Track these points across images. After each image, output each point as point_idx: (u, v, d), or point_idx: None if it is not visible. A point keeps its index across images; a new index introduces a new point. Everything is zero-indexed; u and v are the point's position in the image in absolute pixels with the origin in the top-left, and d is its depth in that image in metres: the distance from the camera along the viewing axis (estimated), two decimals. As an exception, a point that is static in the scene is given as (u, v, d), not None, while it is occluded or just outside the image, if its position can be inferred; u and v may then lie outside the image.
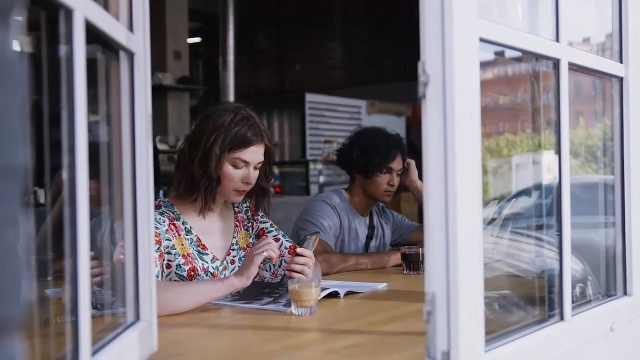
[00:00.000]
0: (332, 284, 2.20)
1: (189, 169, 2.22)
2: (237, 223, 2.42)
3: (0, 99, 0.57)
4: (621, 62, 1.84)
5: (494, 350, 1.29)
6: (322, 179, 7.74)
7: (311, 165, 7.69)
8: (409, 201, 6.88)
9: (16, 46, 0.61)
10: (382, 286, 2.39)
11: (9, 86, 0.58)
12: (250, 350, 1.59)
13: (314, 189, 7.55)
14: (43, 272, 1.45)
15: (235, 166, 2.22)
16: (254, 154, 2.24)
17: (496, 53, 1.50)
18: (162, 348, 1.48)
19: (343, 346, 1.60)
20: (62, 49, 1.02)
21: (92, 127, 1.11)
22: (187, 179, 2.24)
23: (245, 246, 2.40)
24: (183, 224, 2.26)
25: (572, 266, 1.60)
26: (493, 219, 2.27)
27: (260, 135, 2.25)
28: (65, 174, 1.02)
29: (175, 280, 2.19)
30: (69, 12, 1.00)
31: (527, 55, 1.62)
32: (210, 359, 1.58)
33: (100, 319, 1.42)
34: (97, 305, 1.38)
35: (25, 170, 0.61)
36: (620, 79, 1.84)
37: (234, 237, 2.39)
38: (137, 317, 1.39)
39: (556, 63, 1.54)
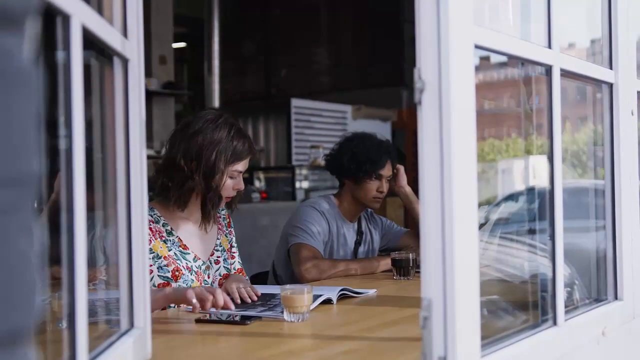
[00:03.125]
0: (324, 290, 2.20)
1: (189, 183, 2.26)
2: (220, 226, 2.49)
3: (15, 107, 0.57)
4: (611, 68, 1.85)
5: (490, 356, 1.29)
6: (308, 184, 7.73)
7: (297, 171, 7.67)
8: (394, 206, 6.89)
9: (30, 54, 0.61)
10: (372, 292, 2.39)
11: (23, 95, 0.58)
12: (243, 357, 1.59)
13: (300, 194, 7.54)
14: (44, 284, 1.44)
15: (231, 177, 2.33)
16: (247, 163, 2.37)
17: (481, 58, 1.50)
18: (155, 355, 1.47)
19: (337, 352, 1.60)
20: (59, 55, 1.01)
21: (85, 133, 1.10)
22: (187, 192, 2.28)
23: (226, 249, 2.49)
24: (163, 225, 2.31)
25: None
26: (482, 224, 2.28)
27: (253, 146, 2.38)
28: (62, 181, 1.02)
29: (158, 284, 2.22)
30: (66, 18, 0.99)
31: (513, 61, 1.63)
32: (203, 366, 1.58)
33: (94, 326, 1.41)
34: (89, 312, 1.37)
35: (37, 178, 0.61)
36: (610, 85, 1.85)
37: (218, 239, 2.46)
38: (132, 325, 1.38)
39: (548, 69, 1.55)
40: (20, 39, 0.59)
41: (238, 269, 2.50)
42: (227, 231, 2.53)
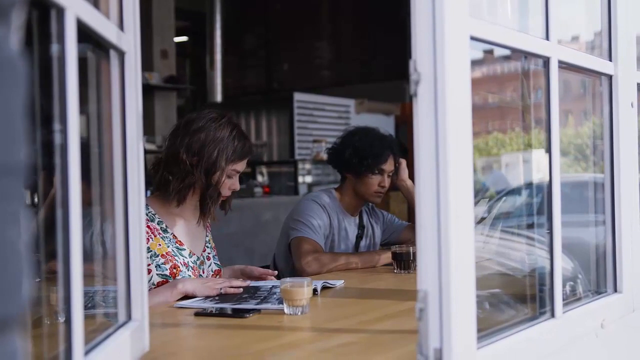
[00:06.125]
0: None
1: (189, 178, 2.30)
2: (208, 225, 2.53)
3: (2, 97, 0.57)
4: (610, 60, 1.85)
5: (486, 347, 1.29)
6: (311, 178, 7.73)
7: (300, 165, 7.67)
8: (397, 200, 6.89)
9: (16, 45, 0.61)
10: (339, 283, 2.42)
11: (10, 84, 0.58)
12: (242, 350, 1.59)
13: (302, 188, 7.55)
14: (33, 273, 1.45)
15: (229, 176, 2.36)
16: (245, 164, 2.41)
17: (485, 51, 1.50)
18: (153, 348, 1.47)
19: (335, 345, 1.60)
20: (54, 48, 1.01)
21: (80, 127, 1.10)
22: (187, 187, 2.32)
23: (213, 246, 2.54)
24: (158, 223, 2.34)
25: (562, 265, 1.60)
26: (483, 218, 2.27)
27: (252, 148, 2.43)
28: (57, 175, 1.02)
29: (158, 282, 2.24)
30: (60, 11, 0.99)
31: (517, 54, 1.63)
32: (201, 358, 1.58)
33: (91, 318, 1.42)
34: (87, 305, 1.38)
35: (25, 168, 0.61)
36: (610, 77, 1.85)
37: (207, 236, 2.51)
38: (129, 317, 1.39)
39: (546, 61, 1.54)
40: (6, 29, 0.59)
41: (215, 270, 2.51)
42: (210, 230, 2.58)
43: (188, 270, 2.32)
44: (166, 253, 2.28)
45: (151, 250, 2.25)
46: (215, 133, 2.31)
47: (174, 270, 2.27)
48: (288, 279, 1.99)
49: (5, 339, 0.58)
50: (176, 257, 2.30)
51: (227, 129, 2.34)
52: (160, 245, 2.29)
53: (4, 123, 0.56)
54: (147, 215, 2.30)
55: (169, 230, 2.34)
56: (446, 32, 1.17)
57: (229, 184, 2.37)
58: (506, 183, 2.16)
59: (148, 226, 2.27)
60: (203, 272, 2.40)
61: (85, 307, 1.14)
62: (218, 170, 2.31)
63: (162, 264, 2.26)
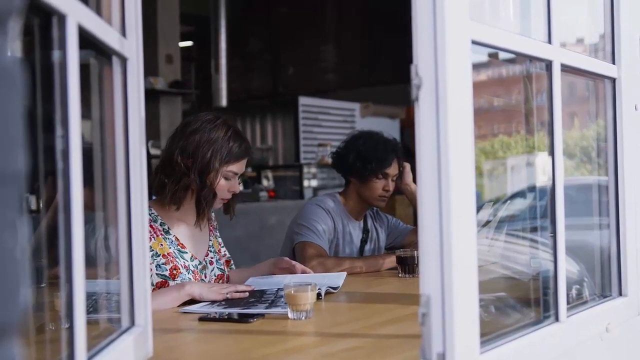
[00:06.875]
0: (304, 279, 2.24)
1: (184, 180, 2.30)
2: (211, 228, 2.54)
3: (0, 105, 0.57)
4: (614, 63, 1.84)
5: (490, 352, 1.29)
6: (316, 182, 7.72)
7: (305, 169, 7.67)
8: (403, 204, 6.88)
9: (14, 52, 0.61)
10: (342, 276, 2.46)
11: (7, 92, 0.58)
12: (246, 355, 1.59)
13: (308, 192, 7.54)
14: (37, 278, 1.45)
15: (226, 178, 2.36)
16: (243, 165, 2.40)
17: (490, 55, 1.50)
18: (157, 353, 1.47)
19: (339, 349, 1.60)
20: (55, 55, 1.02)
21: (84, 133, 1.11)
22: (182, 189, 2.32)
23: (217, 250, 2.53)
24: (161, 225, 2.34)
25: (568, 268, 1.60)
26: (488, 221, 2.27)
27: (250, 149, 2.42)
28: (58, 181, 1.02)
29: (157, 283, 2.26)
30: (62, 18, 1.00)
31: (521, 57, 1.63)
32: (205, 363, 1.58)
33: (94, 323, 1.42)
34: (90, 309, 1.38)
35: (23, 176, 0.62)
36: (613, 80, 1.85)
37: (210, 240, 2.50)
38: (132, 323, 1.39)
39: (549, 64, 1.54)
40: (3, 37, 0.59)
41: (226, 261, 2.55)
42: (216, 233, 2.58)
43: (188, 273, 2.32)
44: (167, 254, 2.29)
45: (152, 250, 2.26)
46: (210, 134, 2.32)
47: (174, 272, 2.28)
48: (292, 284, 1.99)
49: (3, 346, 0.58)
50: (177, 259, 2.31)
51: (222, 130, 2.34)
52: (162, 245, 2.30)
53: (1, 131, 0.56)
54: (150, 215, 2.31)
55: (171, 232, 2.35)
56: (447, 36, 1.17)
57: (228, 186, 2.36)
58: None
59: (151, 226, 2.29)
60: (205, 277, 2.40)
61: (88, 312, 1.14)
62: (212, 171, 2.30)
63: (163, 264, 2.27)
